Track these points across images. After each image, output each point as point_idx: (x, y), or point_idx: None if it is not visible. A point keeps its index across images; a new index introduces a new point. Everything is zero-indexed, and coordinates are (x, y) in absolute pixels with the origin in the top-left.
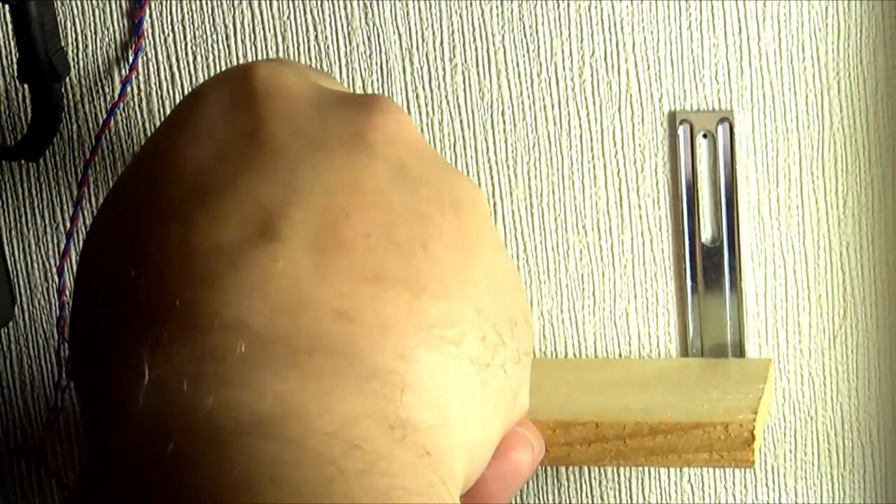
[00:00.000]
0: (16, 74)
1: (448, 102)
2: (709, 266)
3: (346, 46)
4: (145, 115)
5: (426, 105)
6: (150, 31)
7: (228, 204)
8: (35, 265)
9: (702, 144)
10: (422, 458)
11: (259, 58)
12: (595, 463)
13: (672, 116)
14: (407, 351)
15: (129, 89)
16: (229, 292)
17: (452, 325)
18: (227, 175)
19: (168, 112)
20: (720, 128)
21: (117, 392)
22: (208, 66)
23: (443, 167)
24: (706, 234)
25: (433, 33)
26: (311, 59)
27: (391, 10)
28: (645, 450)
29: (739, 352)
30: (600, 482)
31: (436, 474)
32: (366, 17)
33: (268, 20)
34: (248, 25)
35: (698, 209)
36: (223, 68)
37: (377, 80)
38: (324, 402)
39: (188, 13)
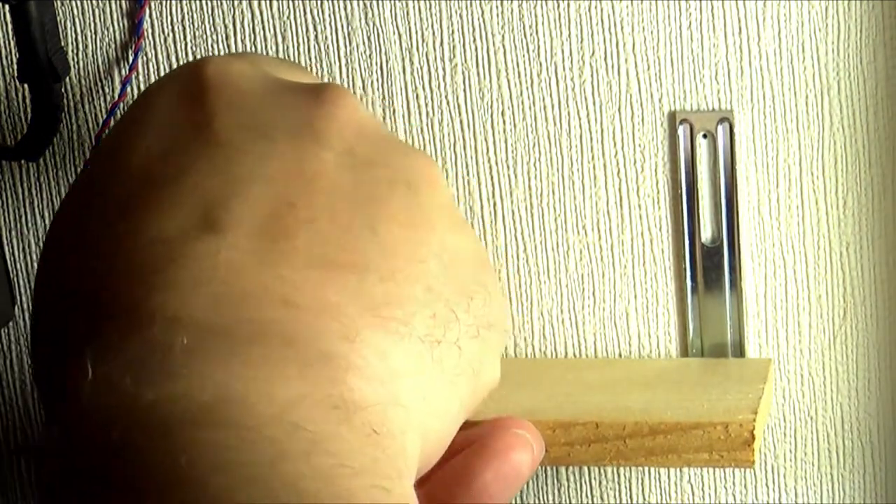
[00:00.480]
0: (16, 74)
1: (448, 102)
2: (709, 266)
3: (346, 46)
4: None
5: (426, 105)
6: (150, 31)
7: (172, 197)
8: (35, 265)
9: (702, 144)
10: (368, 437)
11: None
12: (595, 463)
13: (672, 116)
14: (352, 333)
15: (129, 89)
16: (171, 285)
17: (400, 306)
18: (172, 169)
19: None
20: (720, 128)
21: (65, 387)
22: None
23: (396, 148)
24: (706, 233)
25: (433, 33)
26: (310, 59)
27: (391, 10)
28: (645, 450)
29: (739, 352)
30: (600, 482)
31: (383, 452)
32: (366, 17)
33: (268, 20)
34: (248, 25)
35: (698, 209)
36: None
37: (377, 80)
38: (266, 388)
39: (188, 13)
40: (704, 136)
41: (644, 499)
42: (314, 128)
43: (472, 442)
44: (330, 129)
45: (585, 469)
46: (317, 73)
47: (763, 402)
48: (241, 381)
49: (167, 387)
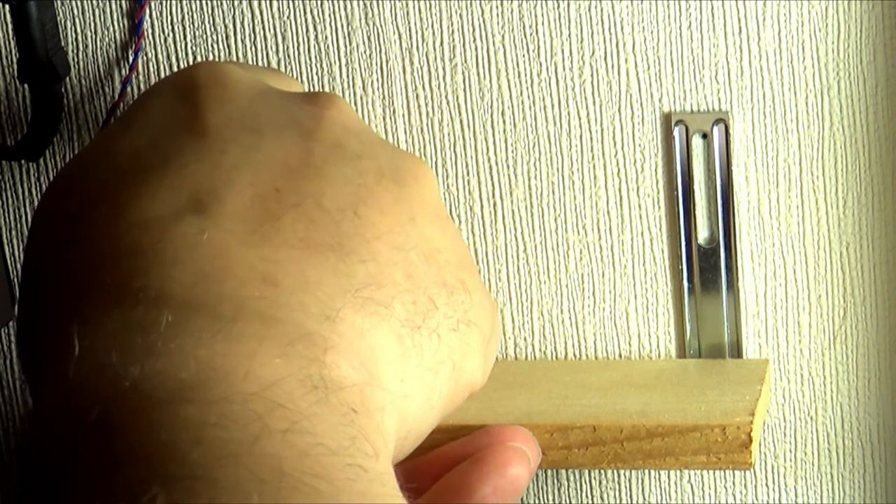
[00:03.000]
0: (16, 74)
1: (448, 102)
2: (705, 267)
3: (346, 46)
4: None
5: (426, 105)
6: (150, 31)
7: (159, 182)
8: None
9: (698, 145)
10: (346, 416)
11: (259, 58)
12: (593, 466)
13: (668, 118)
14: (332, 312)
15: (129, 89)
16: (155, 264)
17: (380, 288)
18: (159, 158)
19: None
20: (716, 128)
21: (50, 365)
22: None
23: (385, 146)
24: (703, 234)
25: (433, 33)
26: (310, 59)
27: (391, 10)
28: (643, 453)
29: (737, 352)
30: (600, 482)
31: (360, 431)
32: (366, 17)
33: (268, 20)
34: (248, 25)
35: (694, 210)
36: None
37: (377, 80)
38: (247, 365)
39: (188, 13)
40: (703, 136)
41: (644, 499)
42: (302, 124)
43: (468, 452)
44: (319, 125)
45: (585, 470)
46: (317, 73)
47: (760, 404)
48: (223, 358)
49: (149, 363)
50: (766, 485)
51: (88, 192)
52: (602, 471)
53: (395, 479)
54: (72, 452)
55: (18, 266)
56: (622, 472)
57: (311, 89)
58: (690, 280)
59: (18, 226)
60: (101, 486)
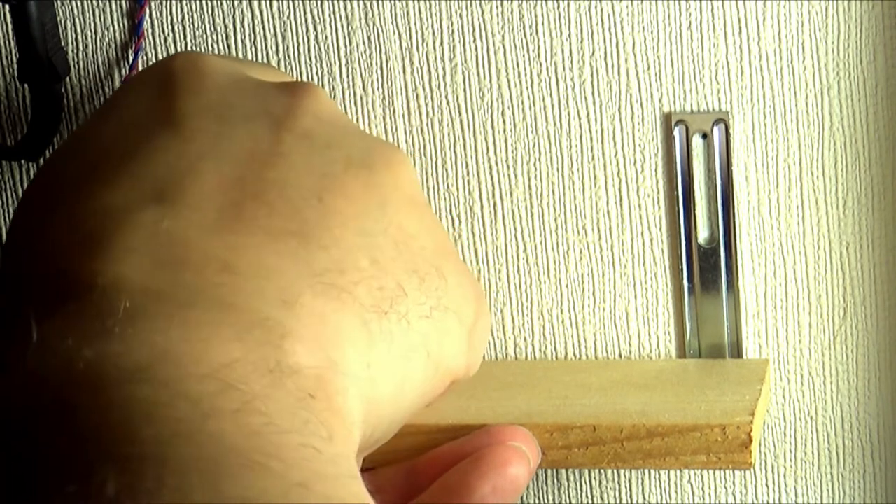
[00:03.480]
0: (16, 74)
1: (448, 102)
2: (706, 267)
3: (346, 46)
4: None
5: (426, 105)
6: (150, 31)
7: (123, 172)
8: None
9: (698, 145)
10: (302, 401)
11: (259, 58)
12: (593, 466)
13: (668, 117)
14: (291, 297)
15: None
16: (114, 251)
17: (342, 273)
18: (129, 148)
19: None
20: (716, 128)
21: (10, 350)
22: None
23: (358, 135)
24: (703, 234)
25: (433, 33)
26: (310, 59)
27: (391, 10)
28: (642, 452)
29: (737, 352)
30: (600, 482)
31: (315, 414)
32: (366, 17)
33: (268, 20)
34: (248, 25)
35: (694, 209)
36: None
37: (377, 80)
38: (201, 349)
39: (188, 13)
40: (703, 136)
41: (644, 499)
42: (274, 113)
43: (467, 452)
44: (290, 115)
45: (585, 469)
46: (317, 73)
47: (760, 404)
48: (177, 343)
49: (105, 347)
50: (766, 485)
51: (61, 181)
52: (602, 471)
53: (353, 463)
54: (31, 437)
55: None
56: (622, 472)
57: None
58: (690, 280)
59: None
60: (57, 468)
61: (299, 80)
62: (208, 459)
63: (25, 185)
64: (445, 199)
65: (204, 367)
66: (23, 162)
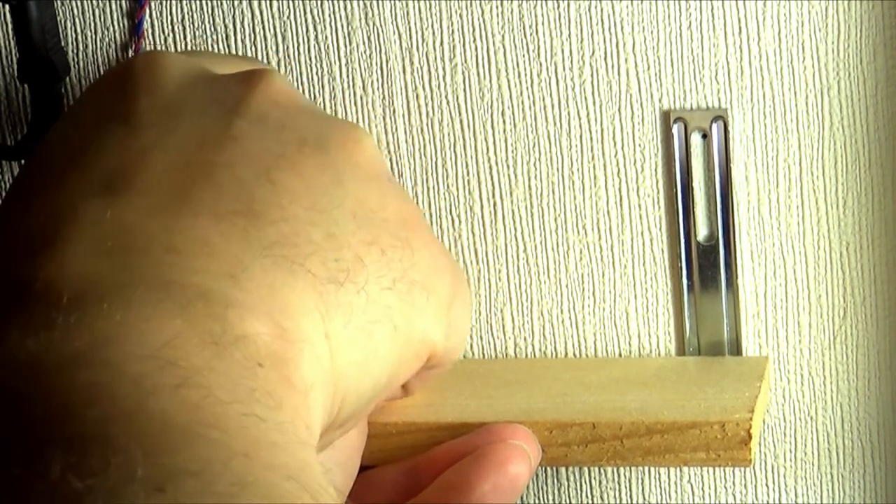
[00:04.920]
0: (16, 74)
1: (448, 102)
2: (705, 264)
3: (346, 46)
4: None
5: (426, 105)
6: (150, 31)
7: (73, 170)
8: None
9: (697, 143)
10: (248, 370)
11: (259, 58)
12: (592, 463)
13: (666, 115)
14: (237, 269)
15: None
16: (57, 245)
17: (294, 246)
18: (81, 147)
19: None
20: (714, 126)
21: None
22: None
23: (315, 116)
24: (702, 232)
25: (433, 33)
26: (310, 59)
27: (391, 10)
28: (642, 450)
29: (736, 350)
30: (600, 482)
31: (263, 383)
32: (366, 17)
33: (268, 20)
34: (248, 25)
35: (694, 208)
36: None
37: (377, 80)
38: (143, 328)
39: (188, 13)
40: (704, 135)
41: (644, 499)
42: (226, 103)
43: (467, 451)
44: (242, 101)
45: (585, 469)
46: (317, 73)
47: (760, 401)
48: (119, 326)
49: (46, 336)
50: (766, 485)
51: (24, 185)
52: (602, 470)
53: (302, 430)
54: None
55: None
56: (622, 471)
57: (311, 90)
58: (690, 278)
59: None
60: (2, 453)
61: (259, 66)
62: (151, 435)
63: None
64: (445, 199)
65: (144, 347)
66: (23, 162)
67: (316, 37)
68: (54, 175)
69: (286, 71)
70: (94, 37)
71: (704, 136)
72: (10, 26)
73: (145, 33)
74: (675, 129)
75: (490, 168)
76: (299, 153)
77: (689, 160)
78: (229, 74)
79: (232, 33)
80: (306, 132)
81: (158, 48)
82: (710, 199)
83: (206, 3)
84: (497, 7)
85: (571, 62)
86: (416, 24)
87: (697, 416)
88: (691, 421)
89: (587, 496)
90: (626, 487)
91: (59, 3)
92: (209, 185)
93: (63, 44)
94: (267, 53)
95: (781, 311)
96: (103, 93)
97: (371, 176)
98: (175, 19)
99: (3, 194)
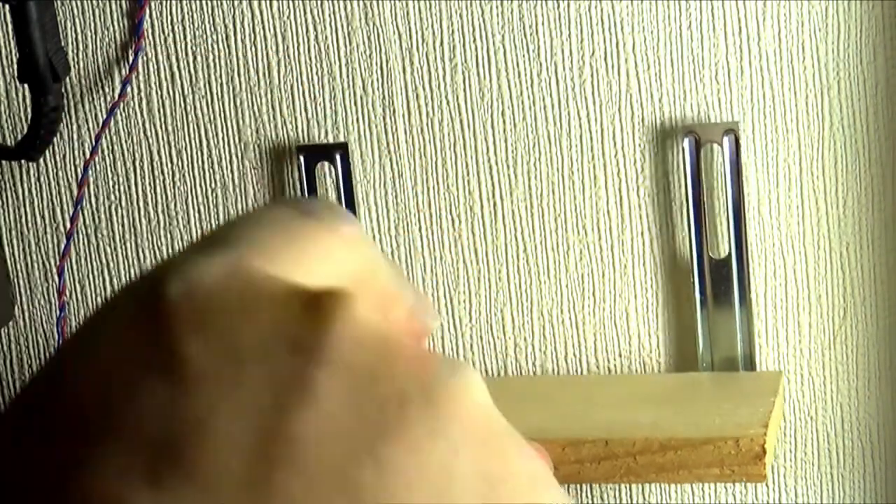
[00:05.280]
0: (16, 74)
1: (448, 102)
2: (717, 278)
3: (346, 46)
4: (145, 115)
5: (426, 105)
6: (150, 31)
7: (108, 442)
8: (35, 265)
9: (707, 154)
10: None
11: (259, 58)
12: (605, 481)
13: (670, 121)
14: None
15: (129, 89)
16: None
17: None
18: (113, 405)
19: (167, 113)
20: (726, 139)
21: None
22: (208, 66)
23: (409, 359)
24: (713, 243)
25: (433, 33)
26: (310, 59)
27: (391, 10)
28: (655, 466)
29: (750, 364)
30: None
31: None
32: (366, 17)
33: (268, 20)
34: (248, 25)
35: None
36: (223, 68)
37: (377, 80)
38: None
39: (188, 13)
40: (715, 145)
41: (644, 499)
42: (299, 342)
43: None
44: (319, 342)
45: (597, 484)
46: (317, 73)
47: (774, 416)
48: None
49: None
50: (766, 485)
51: (34, 442)
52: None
53: None
54: None
55: (19, 266)
56: None
57: (311, 90)
58: (703, 293)
59: (18, 226)
60: None
61: (324, 293)
62: None
63: (25, 185)
64: (445, 199)
65: None
66: (23, 162)
67: (316, 37)
68: (83, 443)
69: (286, 71)
70: (94, 37)
71: (718, 145)
72: (10, 26)
73: (145, 33)
74: (685, 142)
75: (490, 168)
76: (402, 416)
77: (699, 171)
78: (292, 294)
79: (232, 33)
80: (406, 385)
81: (158, 48)
82: (710, 202)
83: (206, 3)
84: (497, 7)
85: (571, 62)
86: (416, 24)
87: (711, 432)
88: (705, 437)
89: (587, 496)
90: (626, 487)
91: (59, 3)
92: (295, 471)
93: (63, 44)
94: (267, 53)
95: (781, 312)
96: (128, 325)
97: (488, 435)
98: (175, 19)
99: (3, 194)
